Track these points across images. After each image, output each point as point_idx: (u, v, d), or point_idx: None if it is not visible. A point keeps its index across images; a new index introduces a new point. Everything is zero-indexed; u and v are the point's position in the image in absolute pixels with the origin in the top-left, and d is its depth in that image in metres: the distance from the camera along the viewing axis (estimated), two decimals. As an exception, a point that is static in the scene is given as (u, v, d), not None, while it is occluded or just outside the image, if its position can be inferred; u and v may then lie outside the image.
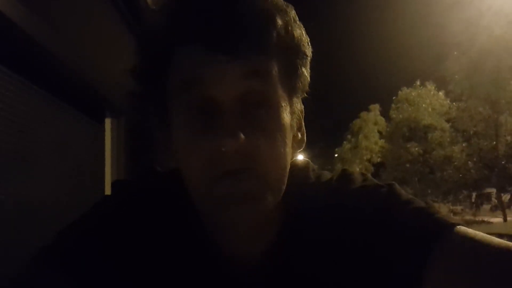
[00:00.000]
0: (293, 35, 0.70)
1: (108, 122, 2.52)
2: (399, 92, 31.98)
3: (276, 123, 0.68)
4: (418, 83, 31.12)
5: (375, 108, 38.74)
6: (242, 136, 0.63)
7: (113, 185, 0.85)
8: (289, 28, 0.70)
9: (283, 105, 0.69)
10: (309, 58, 0.75)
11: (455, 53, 24.46)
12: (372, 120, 38.20)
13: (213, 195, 0.67)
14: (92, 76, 2.11)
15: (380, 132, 37.19)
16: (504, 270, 0.63)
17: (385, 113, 36.99)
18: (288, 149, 0.71)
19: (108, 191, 2.47)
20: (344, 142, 40.64)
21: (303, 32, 0.73)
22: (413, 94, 30.68)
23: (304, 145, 0.78)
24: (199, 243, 0.75)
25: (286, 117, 0.70)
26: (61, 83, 1.88)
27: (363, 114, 39.07)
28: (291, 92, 0.73)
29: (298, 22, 0.72)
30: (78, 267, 0.71)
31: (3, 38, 1.41)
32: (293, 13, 0.71)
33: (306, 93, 0.78)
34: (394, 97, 32.46)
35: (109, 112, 2.52)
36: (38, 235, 1.42)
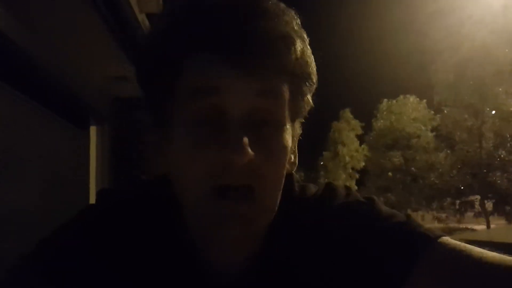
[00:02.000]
0: (307, 61, 0.71)
1: (93, 130, 2.52)
2: (380, 104, 32.00)
3: (280, 144, 0.69)
4: (401, 97, 31.25)
5: (346, 113, 38.25)
6: (250, 152, 0.63)
7: (98, 193, 0.84)
8: (304, 54, 0.70)
9: (287, 127, 0.70)
10: (315, 86, 0.75)
11: (438, 62, 24.74)
12: (346, 128, 38.00)
13: (210, 213, 0.66)
14: (77, 84, 2.11)
15: (359, 136, 37.15)
16: (484, 283, 0.64)
17: (363, 118, 36.77)
18: (285, 171, 0.71)
19: (92, 198, 2.46)
20: (324, 152, 40.51)
21: (313, 59, 0.74)
22: (394, 105, 30.75)
23: (295, 167, 0.79)
24: (183, 251, 0.75)
25: (289, 139, 0.70)
26: (46, 91, 1.87)
27: (334, 124, 38.86)
28: (294, 116, 0.73)
29: (310, 49, 0.73)
30: (59, 275, 0.70)
31: (-13, 45, 1.41)
32: (308, 39, 0.72)
33: (304, 119, 0.79)
34: (378, 105, 32.46)
35: (94, 120, 2.52)
36: (20, 242, 1.41)
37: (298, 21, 0.71)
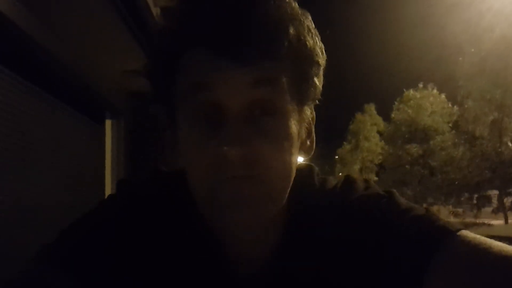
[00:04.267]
0: (306, 44, 0.69)
1: (108, 123, 2.53)
2: (404, 93, 31.65)
3: (282, 131, 0.68)
4: (421, 85, 30.95)
5: (370, 108, 38.22)
6: (247, 143, 0.63)
7: (118, 184, 0.84)
8: (302, 37, 0.69)
9: (291, 113, 0.69)
10: (322, 67, 0.73)
11: (457, 55, 24.46)
12: (369, 121, 37.85)
13: (215, 199, 0.67)
14: (93, 78, 2.12)
15: (380, 133, 36.96)
16: (504, 276, 0.63)
17: (384, 114, 36.66)
18: (294, 158, 0.71)
19: (108, 191, 2.48)
20: (344, 143, 40.42)
21: (317, 41, 0.72)
22: (417, 96, 30.47)
23: (312, 152, 0.78)
24: (204, 244, 0.75)
25: (294, 125, 0.69)
26: (62, 85, 1.89)
27: (358, 115, 38.77)
28: (300, 101, 0.72)
29: (313, 30, 0.71)
30: (80, 266, 0.71)
31: (4, 39, 1.42)
32: (308, 21, 0.71)
33: (318, 101, 0.78)
34: (398, 98, 32.19)
35: (109, 114, 2.53)
36: (38, 235, 1.43)
37: (295, 4, 0.70)
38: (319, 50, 0.72)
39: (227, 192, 0.65)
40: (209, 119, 0.66)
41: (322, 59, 0.72)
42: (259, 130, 0.66)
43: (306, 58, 0.70)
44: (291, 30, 0.67)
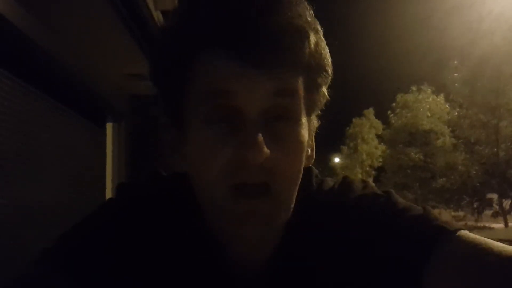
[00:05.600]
0: (321, 53, 0.69)
1: (109, 127, 2.54)
2: (397, 97, 31.65)
3: (296, 139, 0.68)
4: (414, 88, 30.90)
5: (370, 112, 38.19)
6: (267, 150, 0.63)
7: (118, 188, 0.84)
8: (319, 46, 0.69)
9: (303, 121, 0.69)
10: (330, 77, 0.73)
11: (455, 61, 24.42)
12: (367, 125, 37.73)
13: (229, 212, 0.66)
14: (94, 81, 2.12)
15: (378, 136, 36.90)
16: (505, 276, 0.63)
17: (383, 117, 36.59)
18: (302, 166, 0.71)
19: (109, 194, 2.48)
20: (342, 146, 40.33)
21: (327, 50, 0.72)
22: (410, 99, 30.43)
23: (313, 161, 0.78)
24: (203, 246, 0.75)
25: (305, 133, 0.69)
26: (64, 88, 1.89)
27: (356, 120, 38.72)
28: (310, 109, 0.72)
29: (324, 39, 0.71)
30: (80, 268, 0.71)
31: (6, 43, 1.42)
32: (322, 31, 0.70)
33: (320, 111, 0.77)
34: (393, 104, 32.20)
35: (111, 117, 2.54)
36: (40, 237, 1.43)
37: (311, 12, 0.69)
38: (329, 59, 0.72)
39: (245, 206, 0.65)
40: (226, 122, 0.65)
41: (331, 68, 0.72)
42: (275, 136, 0.65)
43: (320, 67, 0.70)
44: (312, 39, 0.67)
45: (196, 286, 0.74)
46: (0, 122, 1.44)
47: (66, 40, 1.80)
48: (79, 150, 2.09)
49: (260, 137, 0.63)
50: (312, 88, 0.70)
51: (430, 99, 30.33)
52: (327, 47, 0.71)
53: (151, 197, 0.78)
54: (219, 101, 0.65)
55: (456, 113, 26.70)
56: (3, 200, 1.42)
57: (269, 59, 0.63)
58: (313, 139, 0.78)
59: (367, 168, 37.88)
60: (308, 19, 0.68)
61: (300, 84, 0.68)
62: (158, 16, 2.96)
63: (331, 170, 40.85)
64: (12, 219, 1.47)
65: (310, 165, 0.83)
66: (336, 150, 41.37)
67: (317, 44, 0.68)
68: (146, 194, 0.79)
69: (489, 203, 30.29)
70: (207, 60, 0.65)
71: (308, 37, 0.66)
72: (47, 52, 1.62)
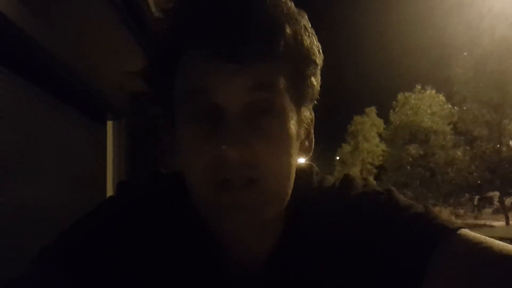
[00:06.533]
0: (303, 44, 0.69)
1: (109, 124, 2.54)
2: (398, 96, 31.60)
3: (281, 132, 0.68)
4: (419, 87, 30.84)
5: (371, 111, 38.17)
6: (245, 143, 0.63)
7: (118, 186, 0.84)
8: (299, 37, 0.68)
9: (289, 114, 0.68)
10: (319, 67, 0.73)
11: (457, 56, 24.38)
12: (368, 123, 37.69)
13: (214, 204, 0.67)
14: (95, 79, 2.12)
15: (379, 134, 36.84)
16: (506, 275, 0.63)
17: (384, 115, 36.54)
18: (293, 159, 0.70)
19: (109, 192, 2.48)
20: (343, 144, 40.30)
21: (314, 40, 0.71)
22: (412, 98, 30.38)
23: (311, 153, 0.78)
24: (203, 245, 0.75)
25: (293, 126, 0.69)
26: (64, 86, 1.89)
27: (357, 118, 38.72)
28: (299, 101, 0.72)
29: (309, 29, 0.71)
30: (80, 267, 0.71)
31: (6, 41, 1.42)
32: (304, 20, 0.70)
33: (316, 101, 0.77)
34: (394, 102, 32.11)
35: (111, 115, 2.54)
36: (40, 235, 1.43)
37: (291, 3, 0.69)
38: (316, 49, 0.71)
39: (226, 199, 0.65)
40: (208, 120, 0.66)
41: (319, 58, 0.72)
42: (258, 130, 0.65)
43: (303, 57, 0.70)
44: (288, 30, 0.66)
45: (196, 286, 0.74)
46: (0, 120, 1.45)
47: (66, 38, 1.79)
48: (79, 148, 2.09)
49: (241, 131, 0.63)
50: (297, 79, 0.70)
51: (432, 97, 30.25)
52: (313, 37, 0.71)
53: (152, 197, 0.78)
54: (199, 98, 0.65)
55: (458, 109, 26.66)
56: (3, 199, 1.42)
57: (244, 52, 0.62)
58: (311, 131, 0.78)
59: (368, 166, 37.88)
60: (284, 10, 0.67)
61: (280, 76, 0.67)
62: (158, 15, 2.96)
63: (336, 165, 40.88)
64: (12, 218, 1.47)
65: (311, 164, 0.83)
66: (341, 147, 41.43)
67: (295, 34, 0.68)
68: (146, 193, 0.80)
69: (490, 201, 30.27)
70: (189, 59, 0.66)
71: (282, 29, 0.66)
72: (47, 51, 1.62)
